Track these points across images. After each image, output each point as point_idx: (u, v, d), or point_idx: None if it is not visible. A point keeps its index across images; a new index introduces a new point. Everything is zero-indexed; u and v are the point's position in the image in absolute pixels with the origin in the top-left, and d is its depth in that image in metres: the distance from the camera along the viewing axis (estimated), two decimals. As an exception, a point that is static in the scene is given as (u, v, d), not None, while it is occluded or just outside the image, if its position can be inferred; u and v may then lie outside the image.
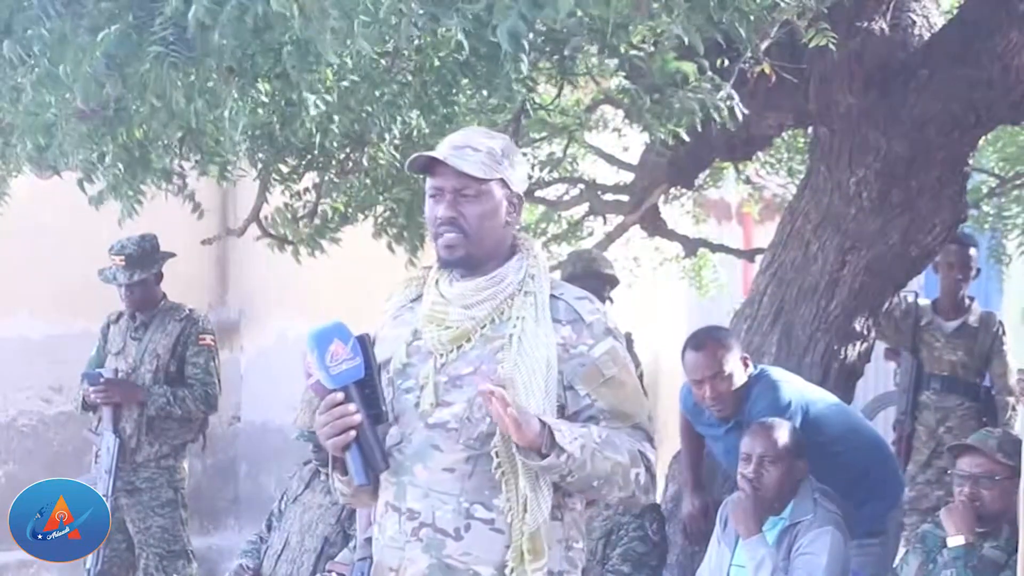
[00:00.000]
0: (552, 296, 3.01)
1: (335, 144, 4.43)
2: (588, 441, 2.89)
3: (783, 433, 4.52)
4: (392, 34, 3.31)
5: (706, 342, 4.84)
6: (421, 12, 3.21)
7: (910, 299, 6.25)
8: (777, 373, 4.93)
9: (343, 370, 2.88)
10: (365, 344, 2.92)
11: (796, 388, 4.89)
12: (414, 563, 2.95)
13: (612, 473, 2.92)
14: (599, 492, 2.95)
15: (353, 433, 2.89)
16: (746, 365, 4.84)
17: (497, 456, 2.91)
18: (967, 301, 6.34)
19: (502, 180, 3.00)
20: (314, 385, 2.95)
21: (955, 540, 4.31)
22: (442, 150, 3.00)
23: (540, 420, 2.86)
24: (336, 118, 4.09)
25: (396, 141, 4.81)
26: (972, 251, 6.27)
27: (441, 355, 2.97)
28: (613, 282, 5.93)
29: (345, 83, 3.96)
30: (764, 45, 4.55)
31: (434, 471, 2.94)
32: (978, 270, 6.38)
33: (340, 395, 2.89)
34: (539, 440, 2.84)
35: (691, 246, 7.34)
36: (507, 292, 2.98)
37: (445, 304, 2.99)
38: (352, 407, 2.88)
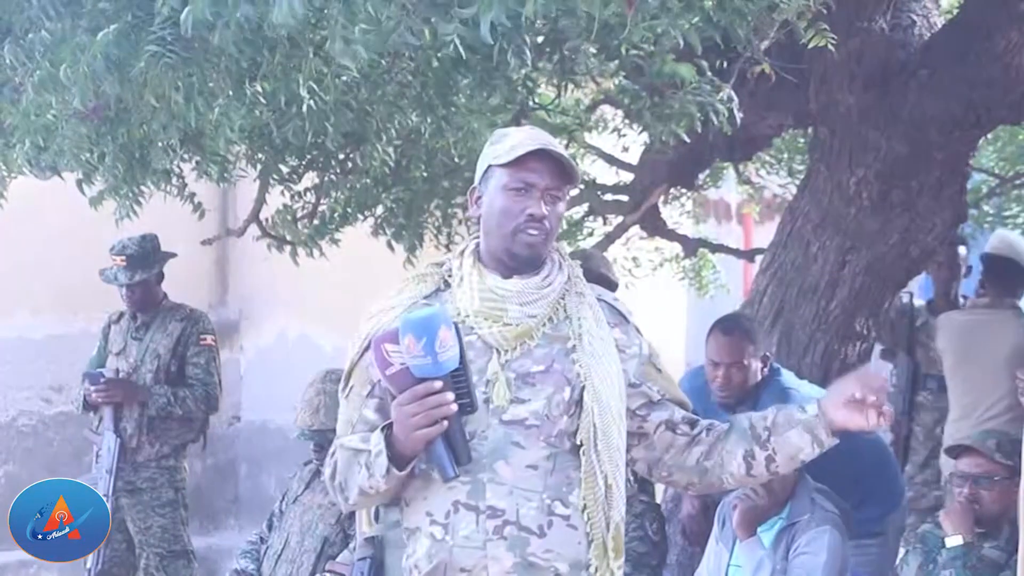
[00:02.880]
0: (596, 298, 3.05)
1: (335, 144, 4.43)
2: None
3: None
4: (392, 39, 3.31)
5: (735, 329, 4.86)
6: (417, 15, 3.21)
7: (905, 299, 6.26)
8: (788, 379, 4.93)
9: (449, 356, 2.81)
10: (460, 332, 2.86)
11: (804, 397, 4.89)
12: (497, 562, 2.91)
13: None
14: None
15: (446, 424, 2.83)
16: (764, 363, 4.86)
17: (584, 455, 2.92)
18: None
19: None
20: (396, 374, 2.84)
21: (953, 540, 4.31)
22: (537, 145, 2.96)
23: None
24: (332, 117, 4.09)
25: (396, 141, 4.82)
26: (961, 249, 6.28)
27: (505, 351, 2.95)
28: (609, 284, 5.90)
29: (344, 78, 3.96)
30: (764, 46, 4.56)
31: (518, 468, 2.91)
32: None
33: (438, 383, 2.81)
34: None
35: (691, 246, 7.35)
36: (558, 292, 3.00)
37: (500, 301, 2.97)
38: (450, 396, 2.81)
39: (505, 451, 2.92)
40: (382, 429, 2.92)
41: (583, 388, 2.93)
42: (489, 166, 3.00)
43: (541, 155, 2.95)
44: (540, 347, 2.96)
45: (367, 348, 2.96)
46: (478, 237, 3.07)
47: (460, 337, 2.85)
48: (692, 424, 3.10)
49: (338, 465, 3.03)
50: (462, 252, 3.07)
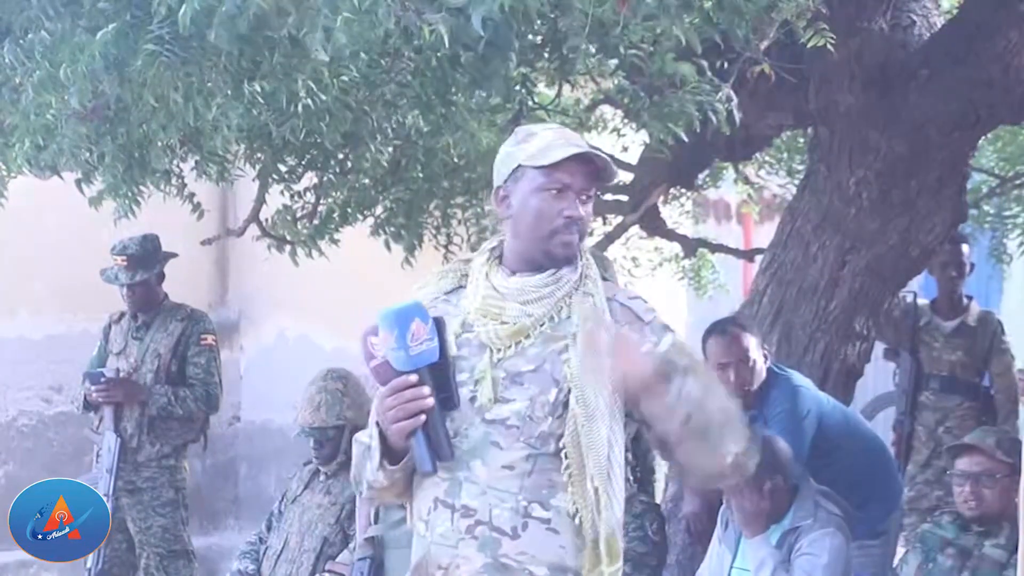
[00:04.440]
0: (606, 299, 2.99)
1: (333, 144, 4.43)
2: (698, 380, 2.85)
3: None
4: (374, 29, 3.30)
5: (731, 328, 4.88)
6: (408, 5, 3.21)
7: (909, 299, 6.26)
8: (797, 378, 4.93)
9: (422, 351, 2.80)
10: (442, 326, 2.86)
11: (813, 396, 4.90)
12: (468, 561, 2.89)
13: (728, 416, 2.88)
14: (719, 440, 2.85)
15: (423, 418, 2.82)
16: (765, 357, 4.86)
17: (566, 458, 2.88)
18: (965, 300, 6.35)
19: None
20: (379, 366, 2.86)
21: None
22: (575, 148, 2.94)
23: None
24: (330, 117, 4.09)
25: (396, 141, 4.82)
26: (964, 248, 6.28)
27: (498, 350, 2.92)
28: None
29: (344, 78, 3.96)
30: (764, 45, 4.56)
31: (493, 468, 2.88)
32: (972, 266, 6.39)
33: (414, 377, 2.81)
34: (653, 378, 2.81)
35: (691, 246, 7.34)
36: (564, 291, 2.95)
37: (500, 299, 2.94)
38: (426, 390, 2.81)
39: (483, 450, 2.90)
40: (378, 423, 2.92)
41: (570, 390, 2.88)
42: (519, 166, 2.95)
43: (577, 156, 2.93)
44: (534, 346, 2.92)
45: None
46: (503, 235, 3.04)
47: (441, 332, 2.85)
48: None
49: (354, 458, 3.04)
50: (483, 249, 3.06)
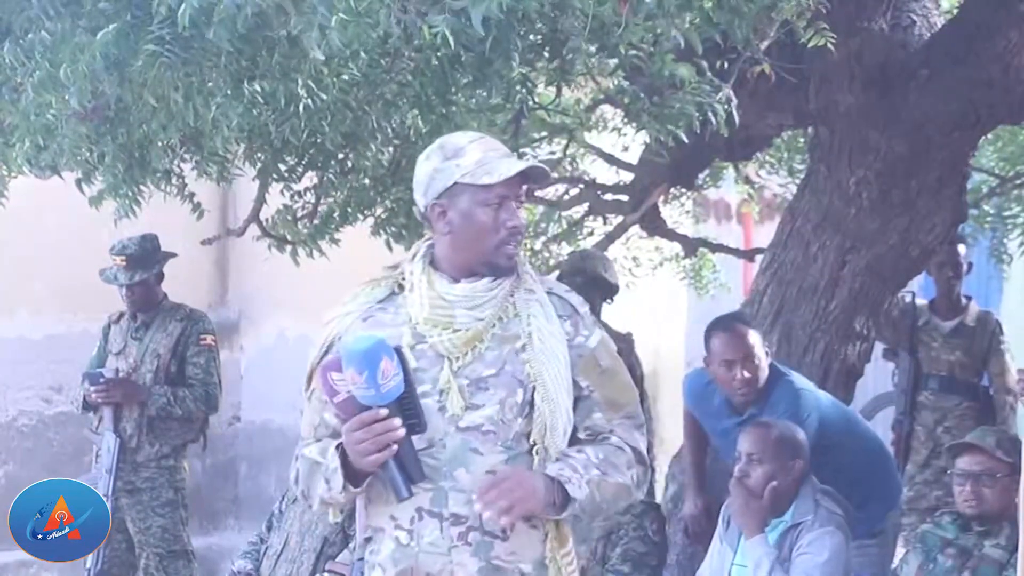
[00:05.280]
0: (546, 292, 3.05)
1: (333, 144, 4.44)
2: (592, 474, 2.96)
3: (773, 432, 4.51)
4: (372, 31, 3.31)
5: (735, 324, 4.87)
6: (408, 7, 3.22)
7: (907, 299, 6.27)
8: (799, 380, 4.92)
9: (392, 386, 2.85)
10: (403, 356, 2.89)
11: (814, 398, 4.89)
12: (463, 567, 2.95)
13: (617, 496, 3.02)
14: (606, 512, 3.05)
15: (395, 448, 2.86)
16: (767, 354, 4.86)
17: (537, 454, 2.96)
18: (963, 300, 6.35)
19: None
20: (343, 402, 2.89)
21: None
22: (514, 160, 3.00)
23: (545, 476, 2.92)
24: (330, 116, 4.10)
25: (395, 141, 4.82)
26: (961, 248, 6.29)
27: (456, 358, 2.97)
28: (606, 286, 5.86)
29: (344, 78, 3.96)
30: (764, 45, 4.55)
31: (478, 475, 2.94)
32: (970, 265, 6.40)
33: (385, 411, 2.85)
34: (551, 496, 2.91)
35: (691, 246, 7.35)
36: (506, 290, 3.01)
37: (449, 307, 2.98)
38: (397, 421, 2.85)
39: (464, 458, 2.95)
40: (337, 447, 2.95)
41: (534, 389, 2.96)
42: (456, 183, 2.98)
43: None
44: (491, 349, 2.97)
45: (326, 352, 3.01)
46: (430, 240, 3.07)
47: (404, 362, 2.88)
48: (592, 437, 3.06)
49: (300, 473, 3.07)
50: (413, 257, 3.08)
